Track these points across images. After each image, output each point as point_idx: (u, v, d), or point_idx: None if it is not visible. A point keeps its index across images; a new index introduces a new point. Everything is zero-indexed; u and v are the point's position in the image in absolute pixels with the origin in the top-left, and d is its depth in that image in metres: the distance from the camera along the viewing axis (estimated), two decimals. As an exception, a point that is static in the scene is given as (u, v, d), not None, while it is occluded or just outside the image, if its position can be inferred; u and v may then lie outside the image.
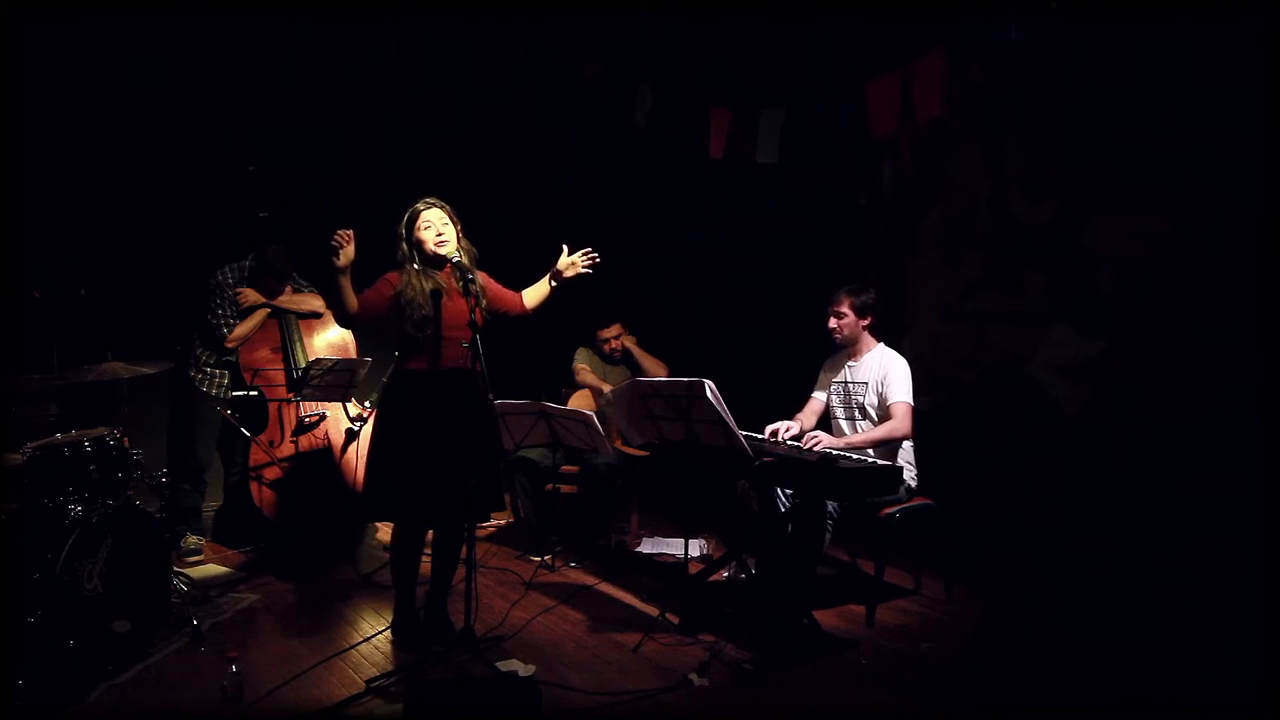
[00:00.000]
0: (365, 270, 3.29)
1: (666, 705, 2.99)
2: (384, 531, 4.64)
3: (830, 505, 3.55)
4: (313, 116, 5.12)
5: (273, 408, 4.41)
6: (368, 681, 3.10)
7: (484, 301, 3.36)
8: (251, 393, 4.39)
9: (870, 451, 3.79)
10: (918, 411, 3.82)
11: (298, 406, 4.38)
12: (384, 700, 3.00)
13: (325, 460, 4.40)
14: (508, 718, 2.79)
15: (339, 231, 3.16)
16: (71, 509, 3.21)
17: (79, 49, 4.42)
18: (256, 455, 4.32)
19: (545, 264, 3.58)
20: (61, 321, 3.85)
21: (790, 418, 4.01)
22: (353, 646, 3.44)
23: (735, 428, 3.32)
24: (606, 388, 4.78)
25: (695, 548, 4.68)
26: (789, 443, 3.78)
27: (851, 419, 3.96)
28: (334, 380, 4.18)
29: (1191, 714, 2.99)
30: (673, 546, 4.75)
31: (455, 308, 3.32)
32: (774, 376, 5.28)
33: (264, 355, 4.51)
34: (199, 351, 4.62)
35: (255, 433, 4.35)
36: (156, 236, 4.70)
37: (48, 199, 4.31)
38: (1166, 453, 4.11)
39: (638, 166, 6.02)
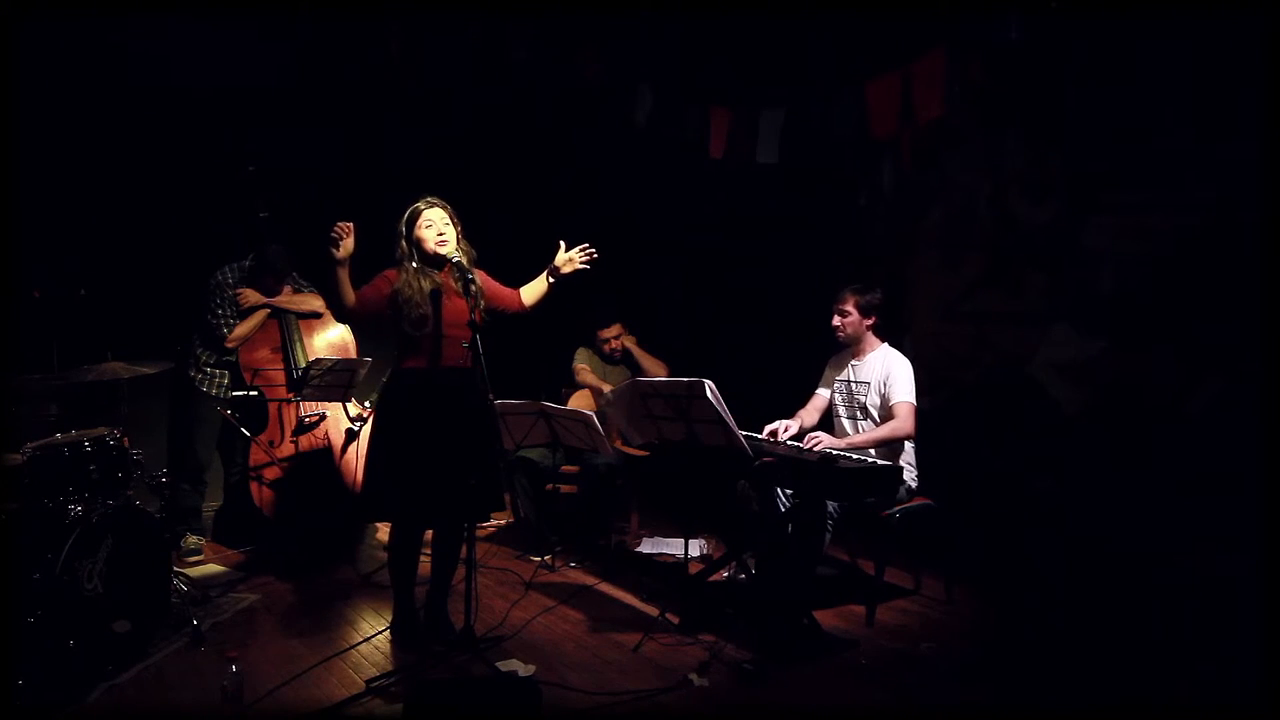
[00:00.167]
0: (364, 269, 3.29)
1: (666, 705, 2.99)
2: (384, 531, 4.64)
3: (830, 505, 3.55)
4: (313, 116, 5.12)
5: (273, 408, 4.41)
6: (368, 681, 3.10)
7: (482, 302, 3.36)
8: (251, 393, 4.39)
9: (872, 451, 3.79)
10: (918, 411, 3.82)
11: (298, 406, 4.38)
12: (384, 700, 3.00)
13: (325, 460, 4.40)
14: (508, 718, 2.79)
15: (339, 224, 3.16)
16: (71, 509, 3.21)
17: (79, 49, 4.42)
18: (256, 455, 4.32)
19: (545, 263, 3.58)
20: (61, 321, 3.85)
21: (790, 417, 4.00)
22: (353, 646, 3.44)
23: (735, 428, 3.32)
24: (606, 388, 4.78)
25: (695, 548, 4.68)
26: (789, 443, 3.78)
27: (853, 418, 3.96)
28: (334, 380, 4.19)
29: (1191, 714, 2.99)
30: (673, 546, 4.75)
31: (454, 307, 3.32)
32: (774, 376, 5.28)
33: (264, 355, 4.51)
34: (199, 351, 4.62)
35: (255, 433, 4.35)
36: (156, 236, 4.70)
37: (48, 199, 4.31)
38: (1166, 453, 4.11)
39: (638, 166, 6.02)
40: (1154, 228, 4.18)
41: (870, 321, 3.91)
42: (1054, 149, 4.55)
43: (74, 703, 2.96)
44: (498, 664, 3.24)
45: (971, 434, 4.86)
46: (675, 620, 3.63)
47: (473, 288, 3.27)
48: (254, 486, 4.30)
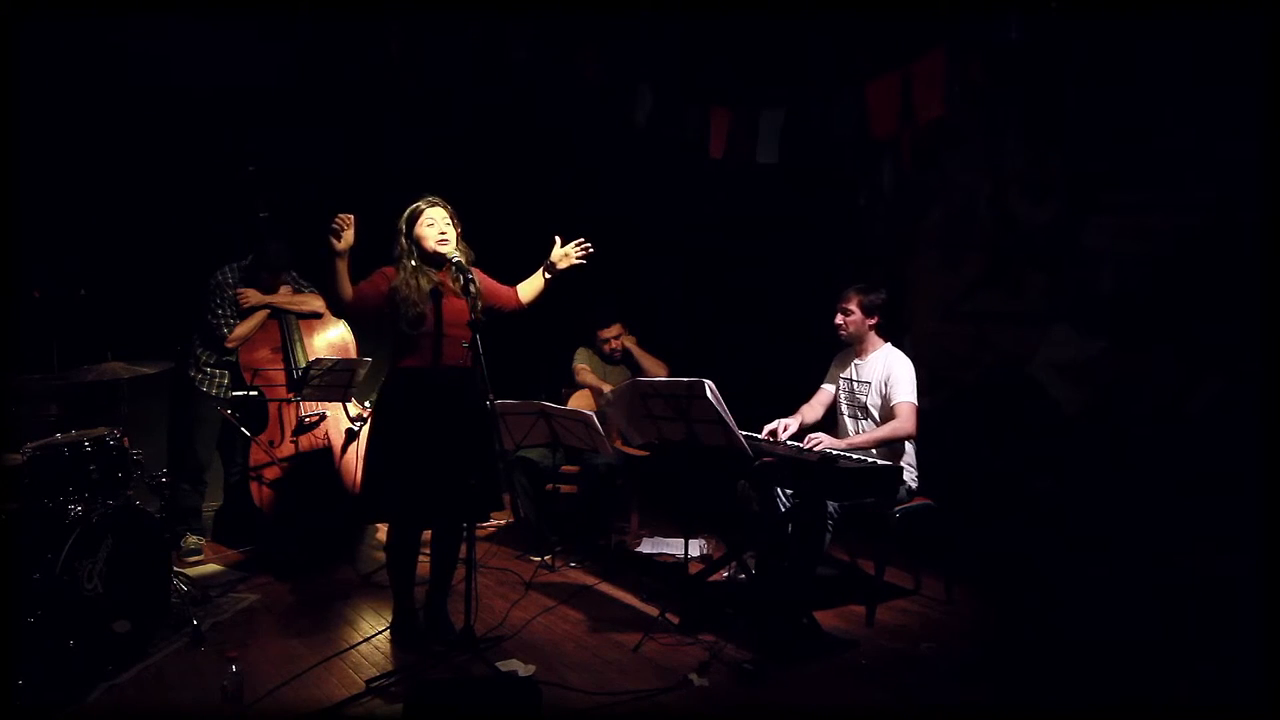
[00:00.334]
0: (361, 269, 3.29)
1: (666, 705, 2.99)
2: (384, 532, 4.63)
3: (830, 505, 3.55)
4: (313, 116, 5.12)
5: (273, 408, 4.41)
6: (368, 681, 3.10)
7: (480, 303, 3.34)
8: (251, 393, 4.38)
9: (873, 451, 3.79)
10: (919, 411, 3.82)
11: (298, 406, 4.38)
12: (384, 700, 3.00)
13: (325, 460, 4.40)
14: (508, 718, 2.79)
15: (340, 215, 3.17)
16: (71, 509, 3.21)
17: (79, 49, 4.42)
18: (256, 455, 4.32)
19: (544, 262, 3.58)
20: (61, 321, 3.85)
21: (790, 415, 3.99)
22: (353, 646, 3.44)
23: (735, 428, 3.32)
24: (606, 388, 4.78)
25: (695, 548, 4.68)
26: (789, 443, 3.78)
27: (855, 417, 3.96)
28: (334, 380, 4.18)
29: (1191, 714, 2.99)
30: (673, 546, 4.75)
31: (453, 307, 3.32)
32: (774, 376, 5.28)
33: (264, 355, 4.51)
34: (199, 351, 4.61)
35: (255, 433, 4.35)
36: (156, 236, 4.70)
37: (48, 199, 4.31)
38: (1166, 453, 4.12)
39: (638, 166, 6.02)
40: (1154, 228, 4.18)
41: (873, 321, 3.91)
42: (1054, 149, 4.55)
43: (74, 703, 2.96)
44: (498, 664, 3.24)
45: (971, 434, 4.86)
46: (675, 620, 3.63)
47: (472, 288, 3.26)
48: (254, 486, 4.30)
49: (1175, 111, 4.07)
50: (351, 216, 3.19)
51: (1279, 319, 3.36)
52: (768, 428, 3.87)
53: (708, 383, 3.24)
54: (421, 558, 3.56)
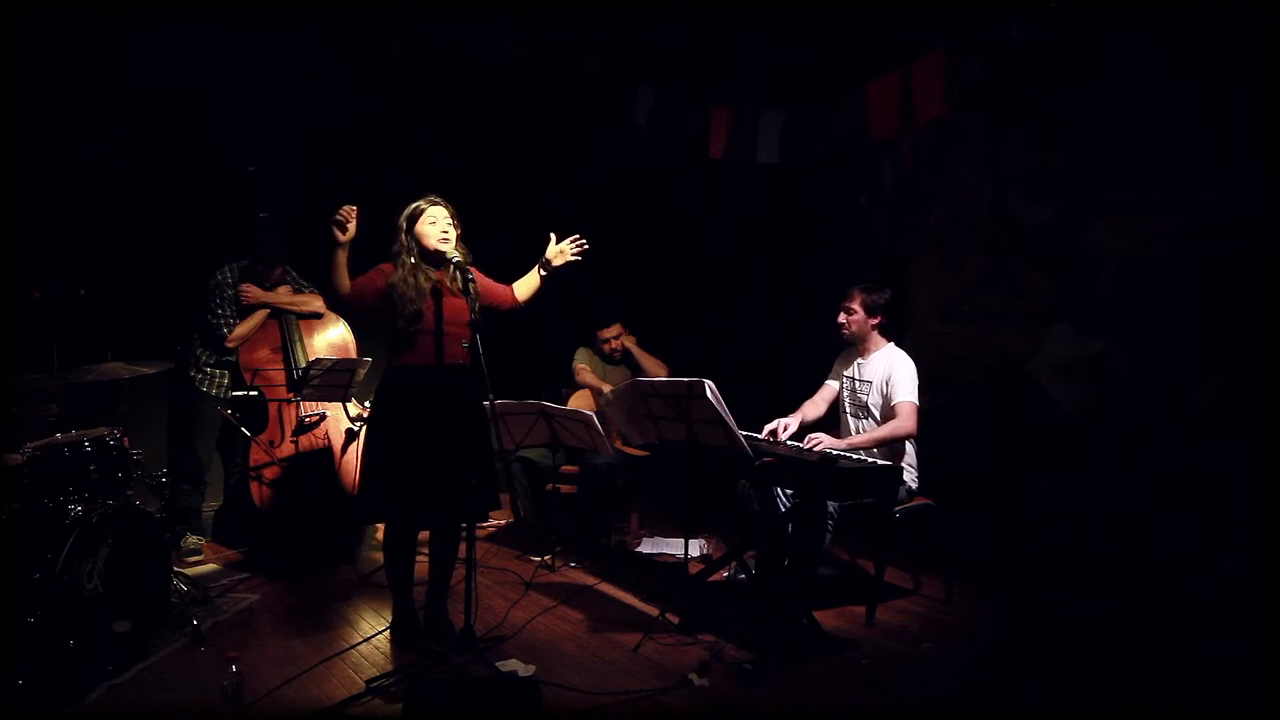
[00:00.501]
0: (357, 266, 3.29)
1: (666, 705, 2.99)
2: (383, 531, 4.64)
3: (830, 505, 3.55)
4: (313, 116, 5.12)
5: (273, 408, 4.41)
6: (368, 681, 3.10)
7: (478, 302, 3.34)
8: (251, 393, 4.38)
9: (874, 450, 3.80)
10: (920, 411, 3.82)
11: (298, 406, 4.38)
12: (384, 700, 3.00)
13: (325, 460, 4.40)
14: (508, 718, 2.79)
15: (344, 207, 3.16)
16: (71, 509, 3.21)
17: (79, 48, 4.42)
18: (256, 455, 4.32)
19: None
20: (61, 321, 3.84)
21: (791, 414, 3.99)
22: (353, 646, 3.44)
23: (735, 428, 3.32)
24: (606, 388, 4.78)
25: (695, 548, 4.68)
26: (789, 443, 3.78)
27: (857, 416, 3.97)
28: (334, 380, 4.18)
29: (1191, 714, 3.00)
30: (673, 546, 4.75)
31: (452, 306, 3.32)
32: (774, 376, 5.29)
33: (264, 355, 4.51)
34: (199, 351, 4.62)
35: (255, 433, 4.35)
36: (156, 236, 4.70)
37: (48, 198, 4.31)
38: (1166, 453, 4.12)
39: (638, 166, 6.02)
40: (1154, 228, 4.18)
41: (876, 321, 3.91)
42: (1054, 149, 4.56)
43: (74, 703, 2.96)
44: (498, 664, 3.24)
45: (971, 434, 4.86)
46: (675, 620, 3.63)
47: (472, 288, 3.27)
48: (254, 486, 4.30)
49: (1175, 111, 4.07)
50: (354, 208, 3.18)
51: (1279, 319, 3.36)
52: (768, 428, 3.87)
53: (708, 383, 3.24)
54: (421, 558, 3.56)
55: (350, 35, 4.94)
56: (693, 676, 3.14)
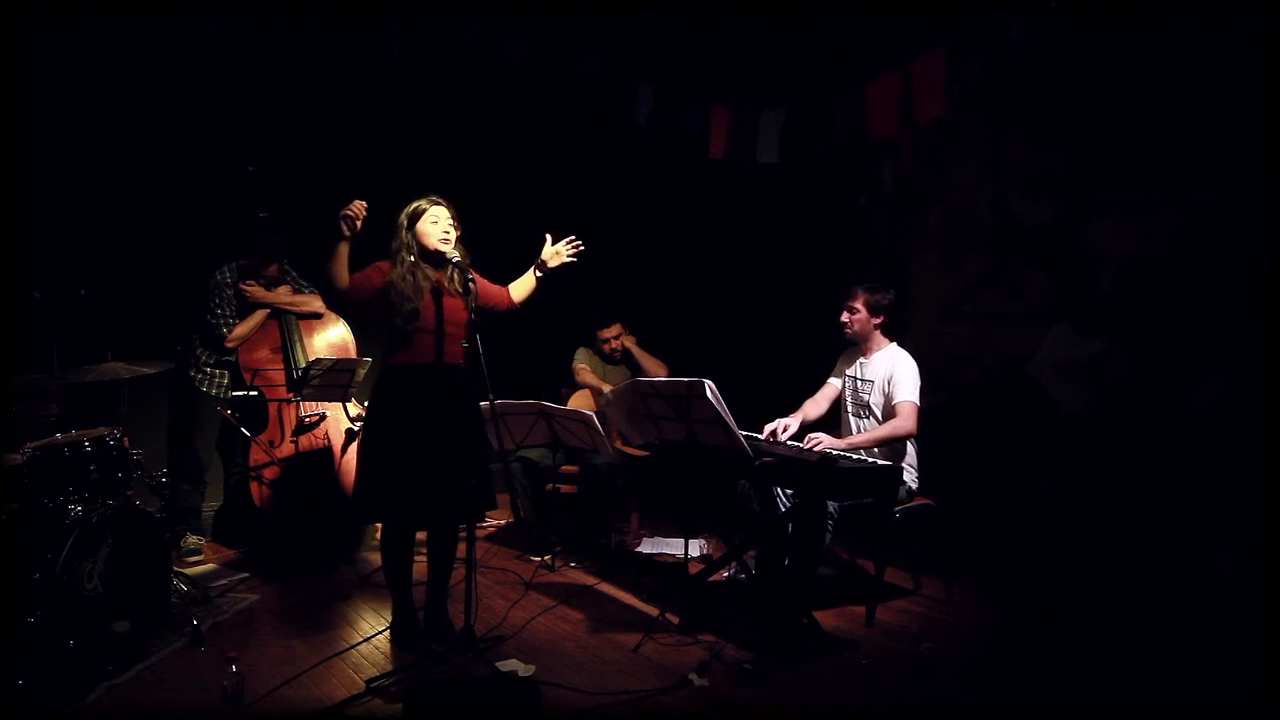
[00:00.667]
0: (355, 264, 3.29)
1: (666, 705, 2.99)
2: (381, 532, 4.64)
3: (830, 505, 3.55)
4: (313, 116, 5.12)
5: (273, 408, 4.41)
6: (368, 681, 3.10)
7: (475, 302, 3.34)
8: (251, 393, 4.39)
9: (874, 450, 3.80)
10: (920, 411, 3.82)
11: (298, 406, 4.38)
12: (384, 700, 3.00)
13: (325, 460, 4.40)
14: (508, 718, 2.79)
15: (356, 203, 3.15)
16: (71, 509, 3.21)
17: (79, 48, 4.42)
18: (256, 455, 4.32)
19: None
20: (61, 321, 3.84)
21: (791, 414, 3.99)
22: (353, 646, 3.44)
23: (735, 428, 3.32)
24: (606, 388, 4.78)
25: (695, 548, 4.68)
26: (789, 443, 3.78)
27: (858, 415, 3.97)
28: (334, 380, 4.18)
29: (1191, 714, 3.00)
30: (673, 546, 4.75)
31: (451, 306, 3.33)
32: (774, 376, 5.29)
33: (264, 355, 4.51)
34: (199, 351, 4.62)
35: (255, 433, 4.35)
36: (156, 236, 4.70)
37: (48, 198, 4.31)
38: (1166, 453, 4.12)
39: (638, 166, 6.03)
40: (1154, 228, 4.18)
41: (879, 320, 3.91)
42: (1054, 149, 4.56)
43: (74, 703, 2.96)
44: (498, 664, 3.24)
45: (971, 434, 4.86)
46: (675, 620, 3.63)
47: (472, 287, 3.27)
48: (254, 486, 4.30)
49: (1175, 111, 4.07)
50: (365, 204, 3.18)
51: (1279, 319, 3.36)
52: (768, 428, 3.87)
53: (708, 383, 3.24)
54: (420, 558, 3.56)
55: (350, 35, 4.94)
56: (693, 676, 3.14)
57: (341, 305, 3.64)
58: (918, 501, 3.84)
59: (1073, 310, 4.50)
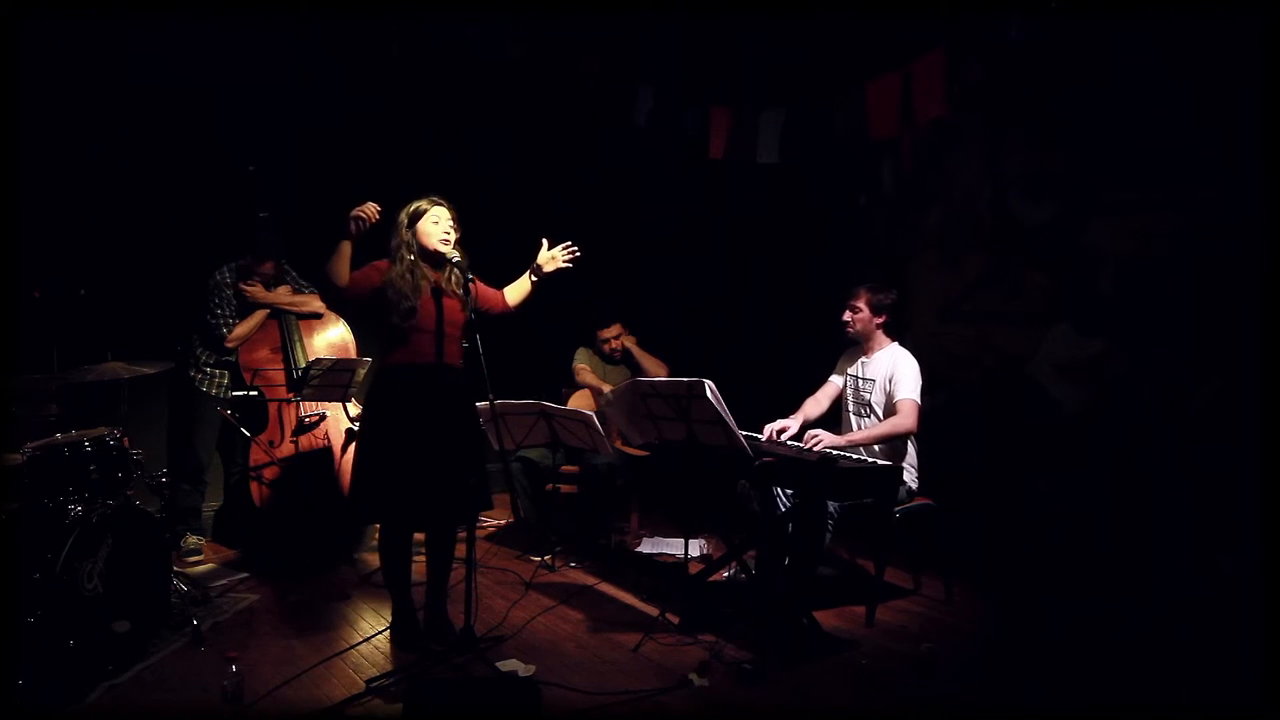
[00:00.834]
0: (354, 265, 3.29)
1: (666, 705, 2.99)
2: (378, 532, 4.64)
3: (830, 505, 3.55)
4: (313, 116, 5.12)
5: (273, 408, 4.41)
6: (368, 681, 3.10)
7: (473, 305, 3.34)
8: (251, 393, 4.39)
9: (875, 448, 3.80)
10: (921, 410, 3.82)
11: (298, 406, 4.38)
12: (384, 700, 3.00)
13: (325, 460, 4.40)
14: (508, 718, 2.79)
15: (369, 204, 3.16)
16: (71, 509, 3.21)
17: (79, 48, 4.42)
18: (256, 455, 4.32)
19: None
20: (61, 321, 3.84)
21: (791, 414, 3.99)
22: (353, 646, 3.44)
23: (735, 428, 3.32)
24: (606, 388, 4.78)
25: (695, 548, 4.68)
26: (789, 442, 3.78)
27: (859, 414, 3.97)
28: (333, 380, 4.18)
29: (1191, 714, 3.00)
30: (673, 546, 4.75)
31: (450, 306, 3.33)
32: (774, 376, 5.29)
33: (264, 355, 4.51)
34: (199, 351, 4.62)
35: (255, 433, 4.35)
36: (156, 236, 4.70)
37: (48, 199, 4.31)
38: (1166, 453, 4.12)
39: (638, 166, 6.03)
40: (1154, 228, 4.18)
41: (881, 320, 3.92)
42: (1054, 149, 4.56)
43: (74, 703, 2.96)
44: (498, 664, 3.24)
45: (971, 434, 4.86)
46: (675, 620, 3.63)
47: (471, 288, 3.28)
48: (254, 486, 4.30)
49: (1175, 111, 4.07)
50: (379, 207, 3.19)
51: (1279, 319, 3.36)
52: (768, 428, 3.87)
53: (708, 383, 3.24)
54: (420, 558, 3.56)
55: (350, 35, 4.94)
56: (693, 676, 3.14)
57: (340, 304, 3.64)
58: (918, 501, 3.84)
59: (1073, 310, 4.50)
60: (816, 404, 4.05)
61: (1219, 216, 3.95)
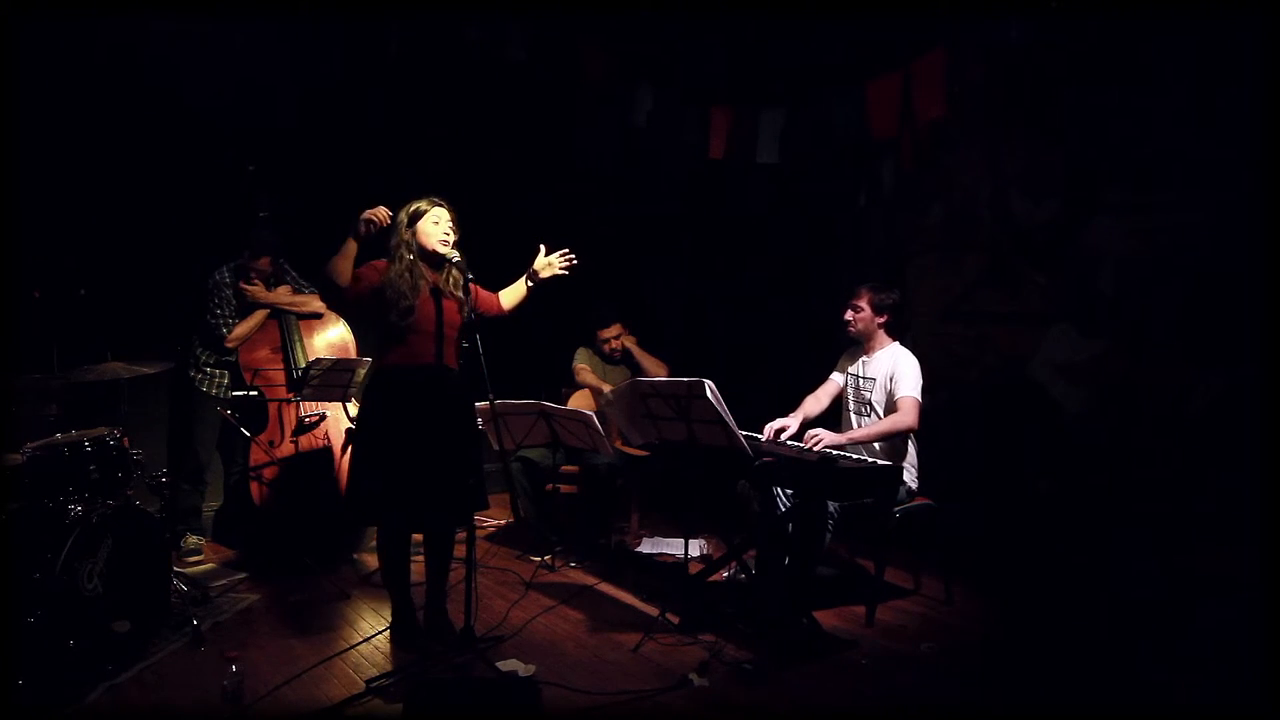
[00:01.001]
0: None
1: (666, 705, 2.99)
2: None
3: (830, 505, 3.55)
4: (313, 116, 5.12)
5: (273, 408, 4.41)
6: (368, 681, 3.10)
7: (471, 305, 3.34)
8: (251, 393, 4.39)
9: (876, 447, 3.79)
10: (922, 409, 3.82)
11: (298, 406, 4.38)
12: (384, 700, 3.00)
13: (325, 460, 4.40)
14: (508, 718, 2.79)
15: (382, 208, 3.18)
16: (71, 509, 3.21)
17: (79, 48, 4.42)
18: (256, 455, 4.32)
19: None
20: (61, 321, 3.85)
21: (790, 414, 3.99)
22: (353, 646, 3.44)
23: (735, 428, 3.32)
24: (606, 388, 4.78)
25: (695, 548, 4.68)
26: (789, 442, 3.78)
27: (860, 413, 3.97)
28: (333, 380, 4.18)
29: (1192, 715, 2.99)
30: (673, 546, 4.75)
31: (448, 307, 3.33)
32: (774, 376, 5.29)
33: (264, 355, 4.51)
34: (199, 351, 4.61)
35: (255, 433, 4.35)
36: (156, 236, 4.70)
37: (48, 199, 4.31)
38: (1166, 453, 4.12)
39: (638, 166, 6.02)
40: (1154, 228, 4.18)
41: (882, 320, 3.92)
42: (1054, 149, 4.56)
43: (74, 703, 2.96)
44: (498, 664, 3.24)
45: (971, 434, 4.86)
46: (675, 620, 3.63)
47: (470, 288, 3.28)
48: (254, 486, 4.30)
49: (1175, 111, 4.07)
50: (390, 213, 3.20)
51: (1279, 319, 3.36)
52: (768, 427, 3.87)
53: (708, 383, 3.24)
54: (419, 558, 3.56)
55: (350, 35, 4.94)
56: (693, 676, 3.14)
57: (340, 303, 3.64)
58: (918, 501, 3.84)
59: (1073, 310, 4.50)
60: (817, 401, 4.05)
61: (1219, 216, 3.95)
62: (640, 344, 5.08)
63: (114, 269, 4.52)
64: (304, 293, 4.67)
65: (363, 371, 4.27)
